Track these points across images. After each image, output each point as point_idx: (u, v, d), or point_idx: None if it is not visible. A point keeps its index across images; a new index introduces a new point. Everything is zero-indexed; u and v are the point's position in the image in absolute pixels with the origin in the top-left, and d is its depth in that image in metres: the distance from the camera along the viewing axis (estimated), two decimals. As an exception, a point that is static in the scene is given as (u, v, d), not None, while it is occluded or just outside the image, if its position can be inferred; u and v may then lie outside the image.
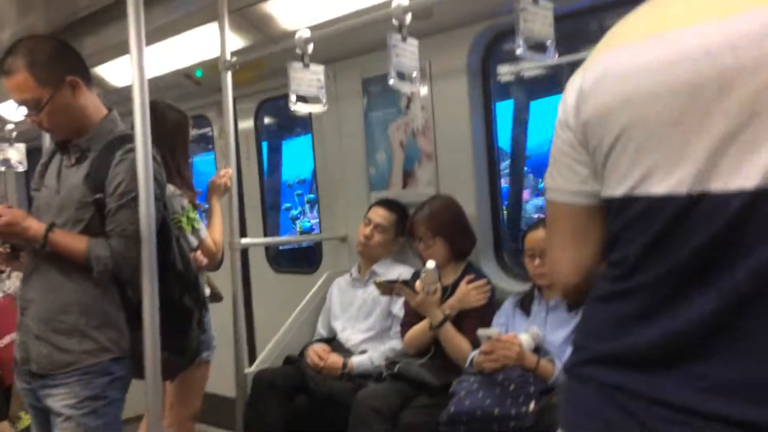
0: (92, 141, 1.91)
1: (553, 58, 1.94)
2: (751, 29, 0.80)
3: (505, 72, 3.42)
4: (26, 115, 1.90)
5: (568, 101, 0.99)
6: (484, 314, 2.56)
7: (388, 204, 3.03)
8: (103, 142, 1.90)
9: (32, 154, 4.40)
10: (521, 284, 2.72)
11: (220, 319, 2.85)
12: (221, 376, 3.02)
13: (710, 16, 0.84)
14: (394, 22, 2.23)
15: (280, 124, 4.90)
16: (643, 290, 0.90)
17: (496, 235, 2.95)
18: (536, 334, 2.31)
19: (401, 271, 2.92)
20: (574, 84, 0.99)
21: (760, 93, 0.79)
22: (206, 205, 2.81)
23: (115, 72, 3.90)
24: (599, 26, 3.10)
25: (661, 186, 0.86)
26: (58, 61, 1.87)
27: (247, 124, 3.95)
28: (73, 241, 1.83)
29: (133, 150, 1.86)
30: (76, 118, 1.90)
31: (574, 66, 1.06)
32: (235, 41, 3.09)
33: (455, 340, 2.52)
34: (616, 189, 0.93)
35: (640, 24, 0.93)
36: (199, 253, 2.55)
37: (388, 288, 2.68)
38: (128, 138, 1.90)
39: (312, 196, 5.32)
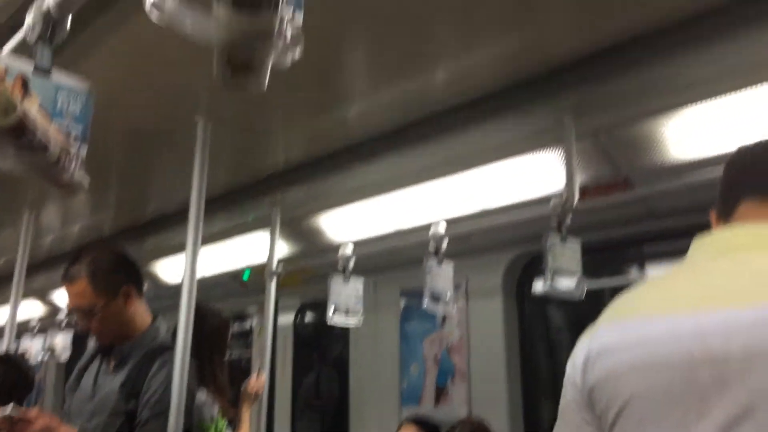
0: (134, 348, 1.98)
1: (580, 294, 1.95)
2: (744, 321, 0.85)
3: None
4: (77, 320, 1.99)
5: (576, 360, 1.01)
6: None
7: (420, 422, 2.93)
8: (144, 350, 1.96)
9: (79, 339, 4.52)
10: None
11: None
12: None
13: (709, 305, 0.90)
14: (431, 248, 2.36)
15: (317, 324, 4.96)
16: None
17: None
18: None
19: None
20: (582, 345, 1.02)
21: (754, 389, 0.82)
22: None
23: (167, 269, 4.12)
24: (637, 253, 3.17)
25: None
26: (117, 272, 1.99)
27: (286, 321, 4.03)
28: None
29: (170, 361, 1.92)
30: (124, 324, 1.98)
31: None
32: (283, 247, 3.27)
33: None
34: None
35: (641, 302, 0.99)
36: (222, 463, 2.49)
37: None
38: (168, 348, 1.97)
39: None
